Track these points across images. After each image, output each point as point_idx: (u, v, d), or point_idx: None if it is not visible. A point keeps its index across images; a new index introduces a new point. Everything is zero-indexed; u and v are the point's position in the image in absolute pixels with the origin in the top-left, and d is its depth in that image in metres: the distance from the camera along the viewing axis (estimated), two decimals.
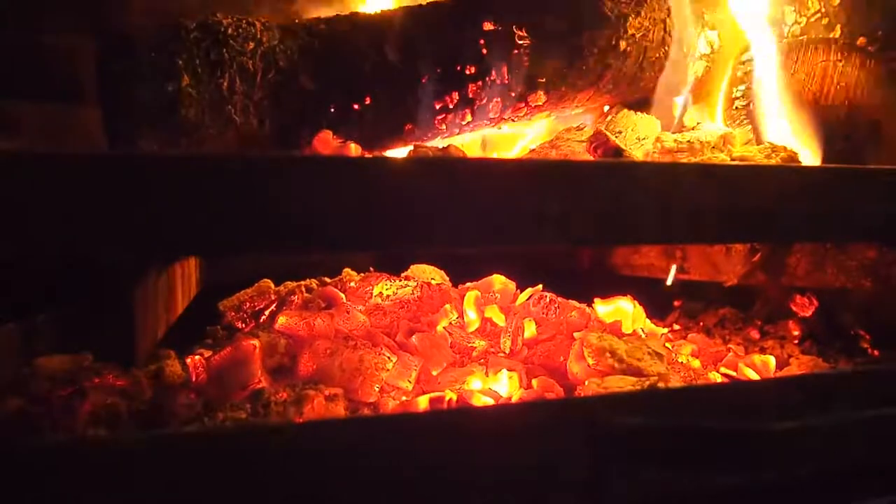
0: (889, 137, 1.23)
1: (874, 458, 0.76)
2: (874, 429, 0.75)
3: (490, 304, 1.15)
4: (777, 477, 0.73)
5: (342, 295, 1.11)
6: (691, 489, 0.72)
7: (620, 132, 1.18)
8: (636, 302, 1.22)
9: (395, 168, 0.73)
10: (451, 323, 1.09)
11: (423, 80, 1.07)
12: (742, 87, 1.32)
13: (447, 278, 1.27)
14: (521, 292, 1.20)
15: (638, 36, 1.17)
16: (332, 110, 1.05)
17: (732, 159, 1.03)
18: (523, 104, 1.14)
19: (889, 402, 0.77)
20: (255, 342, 0.94)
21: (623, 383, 0.91)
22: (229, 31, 1.00)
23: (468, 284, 1.22)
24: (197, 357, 0.95)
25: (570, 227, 0.74)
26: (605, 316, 1.18)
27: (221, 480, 0.62)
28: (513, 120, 1.17)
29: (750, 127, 1.27)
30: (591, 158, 0.99)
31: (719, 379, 1.08)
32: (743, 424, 0.69)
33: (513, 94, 1.12)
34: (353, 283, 1.18)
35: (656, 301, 1.43)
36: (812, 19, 1.34)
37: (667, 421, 0.70)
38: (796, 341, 1.29)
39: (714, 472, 0.72)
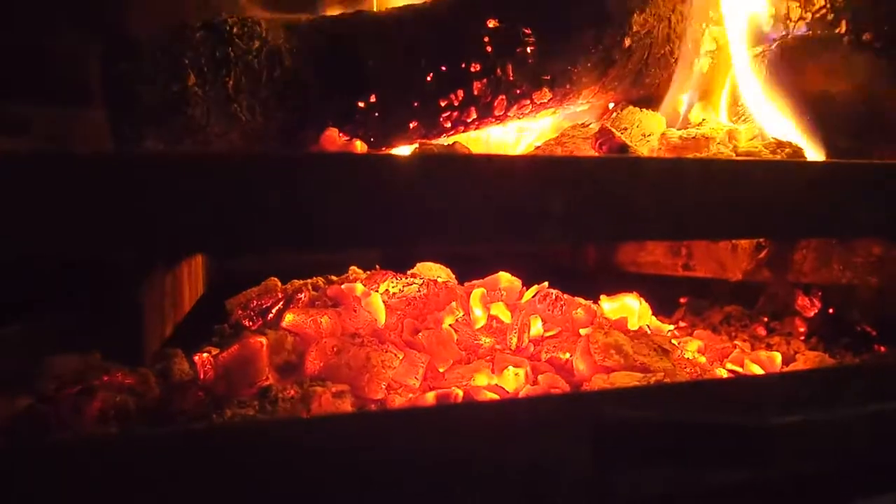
0: (895, 132, 1.23)
1: (880, 454, 0.76)
2: (880, 424, 0.75)
3: (496, 301, 1.15)
4: (783, 472, 0.73)
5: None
6: (697, 484, 0.72)
7: (626, 129, 1.17)
8: (642, 299, 1.22)
9: (401, 165, 0.73)
10: (457, 320, 1.09)
11: (428, 78, 1.07)
12: None
13: (453, 276, 1.27)
14: (526, 290, 1.20)
15: (642, 33, 1.17)
16: (338, 108, 1.05)
17: (738, 155, 1.03)
18: (528, 101, 1.14)
19: (894, 397, 0.77)
20: (263, 340, 0.95)
21: (629, 379, 0.91)
22: (234, 30, 1.01)
23: (474, 282, 1.22)
24: (205, 355, 0.96)
25: (575, 223, 0.75)
26: (610, 313, 1.18)
27: (230, 476, 0.63)
28: (518, 117, 1.17)
29: (755, 123, 1.27)
30: (597, 155, 0.99)
31: (725, 375, 1.08)
32: (748, 420, 0.69)
33: (518, 92, 1.12)
34: (359, 282, 1.18)
35: (662, 298, 1.43)
36: (817, 15, 1.33)
37: (672, 416, 0.70)
38: (802, 338, 1.29)
39: (719, 467, 0.72)
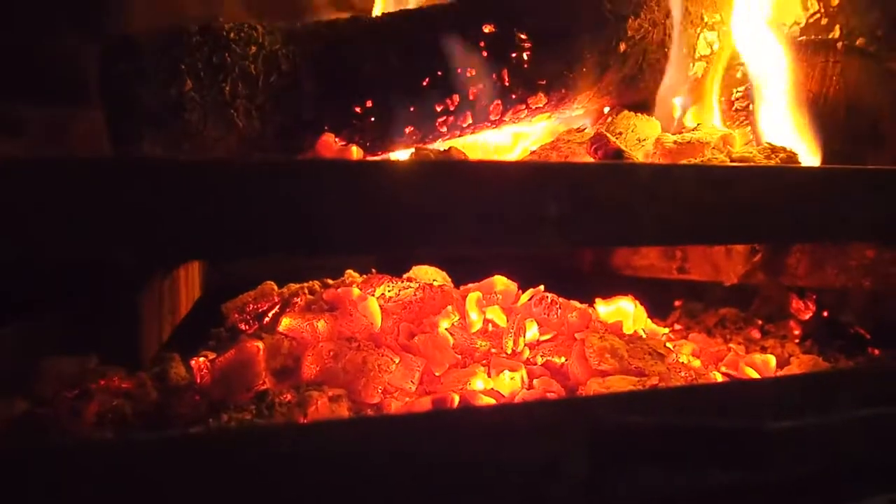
0: (888, 137, 1.24)
1: (873, 456, 0.77)
2: (872, 427, 0.75)
3: (492, 305, 1.15)
4: (776, 475, 0.74)
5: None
6: (692, 488, 0.73)
7: (621, 133, 1.18)
8: (637, 302, 1.23)
9: (398, 171, 0.74)
10: (453, 324, 1.09)
11: (425, 83, 1.08)
12: (742, 89, 1.32)
13: (449, 279, 1.27)
14: (522, 293, 1.20)
15: (637, 38, 1.17)
16: (334, 113, 1.05)
17: (732, 160, 1.04)
18: (523, 106, 1.14)
19: (887, 400, 0.77)
20: (259, 344, 0.95)
21: (624, 383, 0.92)
22: (231, 34, 1.01)
23: (470, 285, 1.22)
24: (201, 359, 0.96)
25: (570, 228, 0.75)
26: (606, 316, 1.19)
27: (226, 481, 0.63)
28: (513, 122, 1.18)
29: (749, 128, 1.27)
30: (592, 160, 1.00)
31: (720, 378, 1.09)
32: (743, 423, 0.70)
33: (513, 97, 1.12)
34: (355, 286, 1.18)
35: (658, 301, 1.43)
36: (811, 20, 1.34)
37: (667, 420, 0.71)
38: (797, 340, 1.30)
39: (714, 470, 0.72)
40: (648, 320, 1.27)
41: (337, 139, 1.02)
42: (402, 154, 1.14)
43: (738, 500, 0.75)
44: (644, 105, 1.25)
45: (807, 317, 1.33)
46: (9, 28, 1.32)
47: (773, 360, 1.14)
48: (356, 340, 0.99)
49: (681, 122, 1.30)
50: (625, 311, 1.20)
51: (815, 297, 1.33)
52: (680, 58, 1.26)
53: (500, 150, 1.31)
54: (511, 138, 1.31)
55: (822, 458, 0.73)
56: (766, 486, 0.74)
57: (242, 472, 0.63)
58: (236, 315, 1.15)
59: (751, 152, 1.04)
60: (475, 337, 1.08)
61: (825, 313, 1.32)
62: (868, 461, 0.77)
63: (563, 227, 0.74)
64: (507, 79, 1.11)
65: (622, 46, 1.17)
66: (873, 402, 0.77)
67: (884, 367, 1.14)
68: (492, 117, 1.14)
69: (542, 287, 1.20)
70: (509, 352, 1.06)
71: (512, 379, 0.97)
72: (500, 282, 1.21)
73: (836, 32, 1.32)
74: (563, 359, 1.03)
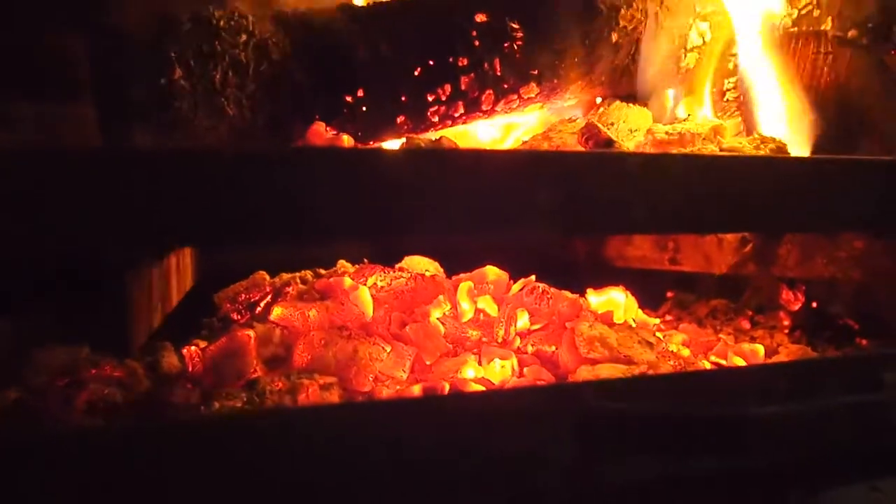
0: (879, 129, 1.24)
1: (854, 444, 0.77)
2: (854, 415, 0.76)
3: (483, 294, 1.16)
4: (761, 461, 0.75)
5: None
6: (678, 474, 0.74)
7: (612, 124, 1.18)
8: (628, 293, 1.23)
9: (389, 159, 0.74)
10: (444, 313, 1.10)
11: (416, 73, 1.08)
12: (733, 79, 1.32)
13: (441, 270, 1.28)
14: (514, 283, 1.21)
15: (629, 28, 1.18)
16: (325, 102, 1.05)
17: (722, 150, 1.04)
18: (515, 96, 1.14)
19: (868, 388, 0.78)
20: (251, 333, 0.95)
21: (613, 371, 0.92)
22: (221, 23, 1.01)
23: (462, 275, 1.23)
24: (193, 348, 0.96)
25: (561, 217, 0.75)
26: (597, 306, 1.19)
27: (218, 467, 0.63)
28: (505, 112, 1.18)
29: (740, 118, 1.28)
30: (583, 150, 1.00)
31: (708, 367, 1.10)
32: (728, 410, 0.70)
33: (505, 86, 1.13)
34: (347, 275, 1.18)
35: (650, 292, 1.44)
36: (803, 11, 1.34)
37: (655, 407, 0.71)
38: (786, 331, 1.31)
39: (699, 456, 0.73)
40: (639, 310, 1.27)
41: (328, 128, 1.02)
42: (393, 143, 1.14)
43: (722, 486, 0.76)
44: (637, 95, 1.25)
45: (796, 308, 1.34)
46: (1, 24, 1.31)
47: (761, 349, 1.15)
48: (347, 329, 0.99)
49: (673, 113, 1.31)
50: (616, 302, 1.21)
51: (804, 288, 1.33)
52: (672, 48, 1.26)
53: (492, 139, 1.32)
54: (503, 127, 1.31)
55: (806, 444, 0.74)
56: (750, 473, 0.75)
57: (233, 459, 0.63)
58: (228, 304, 1.15)
59: (740, 142, 1.05)
60: (466, 326, 1.09)
61: (814, 304, 1.33)
62: (850, 449, 0.77)
63: (554, 216, 0.75)
64: (499, 69, 1.11)
65: (614, 37, 1.17)
66: (855, 390, 0.78)
67: (866, 356, 1.15)
68: (484, 107, 1.14)
69: (533, 277, 1.20)
70: (500, 341, 1.07)
71: (502, 367, 0.98)
72: (492, 272, 1.21)
73: (828, 24, 1.33)
74: (553, 347, 1.03)
